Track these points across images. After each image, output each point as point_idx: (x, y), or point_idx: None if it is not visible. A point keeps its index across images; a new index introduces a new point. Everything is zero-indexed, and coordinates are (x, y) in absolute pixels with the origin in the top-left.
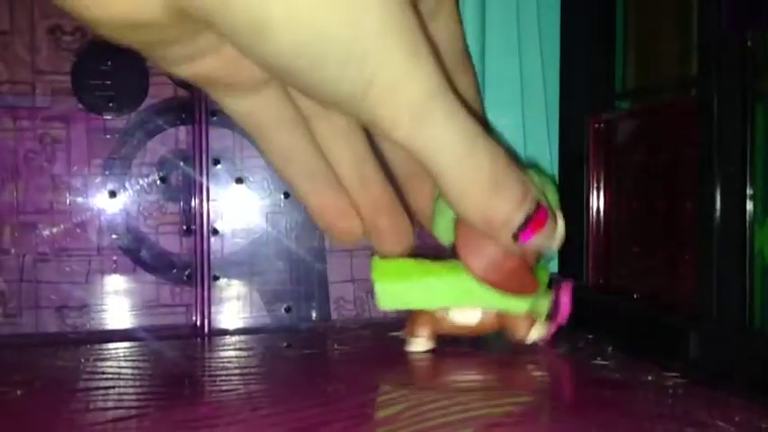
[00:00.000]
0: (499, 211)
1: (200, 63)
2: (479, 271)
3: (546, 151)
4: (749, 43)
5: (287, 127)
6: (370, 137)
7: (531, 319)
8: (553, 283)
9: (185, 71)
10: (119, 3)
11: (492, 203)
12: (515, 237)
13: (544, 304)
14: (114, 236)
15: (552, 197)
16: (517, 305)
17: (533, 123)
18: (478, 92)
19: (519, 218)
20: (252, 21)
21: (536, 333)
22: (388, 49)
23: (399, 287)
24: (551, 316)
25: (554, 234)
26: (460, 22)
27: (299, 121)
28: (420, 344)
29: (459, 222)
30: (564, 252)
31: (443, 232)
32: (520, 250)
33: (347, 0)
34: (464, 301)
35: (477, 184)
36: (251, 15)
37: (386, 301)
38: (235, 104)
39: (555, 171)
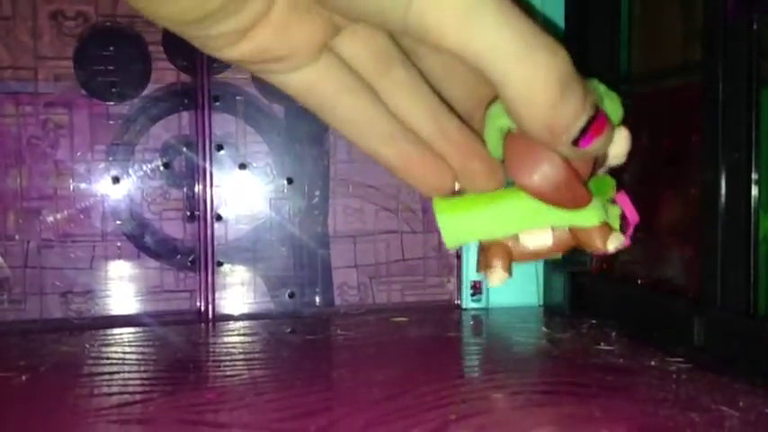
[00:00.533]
0: (564, 116)
1: (250, 38)
2: (529, 183)
3: None
4: (755, 27)
5: (351, 93)
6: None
7: (606, 229)
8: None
9: (238, 51)
10: None
11: (557, 109)
12: (575, 142)
13: (615, 213)
14: (118, 222)
15: (615, 106)
16: (589, 217)
17: None
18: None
19: (581, 123)
20: None
21: (614, 242)
22: None
23: (463, 218)
24: (623, 225)
25: (611, 137)
26: None
27: (361, 85)
28: (497, 274)
29: (508, 134)
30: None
31: (492, 144)
32: (578, 156)
33: None
34: (532, 223)
35: (543, 89)
36: None
37: (451, 236)
38: (294, 80)
39: None
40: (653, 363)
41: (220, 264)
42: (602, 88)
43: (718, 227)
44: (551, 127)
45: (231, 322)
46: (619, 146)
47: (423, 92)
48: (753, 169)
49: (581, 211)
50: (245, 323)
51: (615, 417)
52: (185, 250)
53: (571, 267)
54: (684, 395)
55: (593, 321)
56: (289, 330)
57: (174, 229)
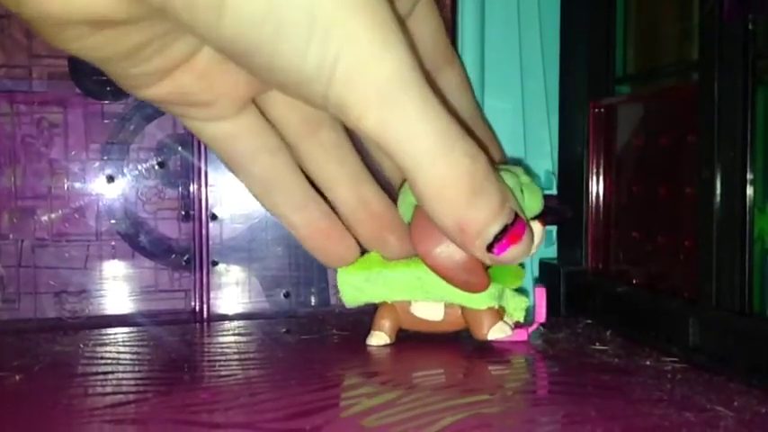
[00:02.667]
0: (475, 218)
1: (171, 80)
2: (428, 258)
3: (546, 137)
4: (750, 27)
5: (271, 154)
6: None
7: (495, 316)
8: (533, 286)
9: (157, 91)
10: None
11: (468, 210)
12: (489, 248)
13: (516, 303)
14: (113, 221)
15: (535, 200)
16: (477, 301)
17: (533, 108)
18: (468, 82)
19: (495, 228)
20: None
21: (497, 332)
22: (354, 23)
23: (360, 278)
24: (532, 318)
25: (530, 248)
26: (439, 16)
27: (281, 147)
28: (377, 337)
29: (418, 207)
30: (563, 236)
31: (405, 214)
32: (492, 261)
33: None
34: (423, 294)
35: (453, 187)
36: None
37: (348, 294)
38: (212, 130)
39: (555, 157)
40: (648, 362)
41: (215, 263)
42: (525, 179)
43: (714, 226)
44: (462, 229)
45: (226, 322)
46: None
47: (347, 156)
48: (748, 168)
49: (471, 294)
50: (241, 323)
51: (610, 416)
52: (180, 250)
53: (566, 267)
54: (679, 395)
55: (588, 321)
56: (284, 330)
57: (169, 228)
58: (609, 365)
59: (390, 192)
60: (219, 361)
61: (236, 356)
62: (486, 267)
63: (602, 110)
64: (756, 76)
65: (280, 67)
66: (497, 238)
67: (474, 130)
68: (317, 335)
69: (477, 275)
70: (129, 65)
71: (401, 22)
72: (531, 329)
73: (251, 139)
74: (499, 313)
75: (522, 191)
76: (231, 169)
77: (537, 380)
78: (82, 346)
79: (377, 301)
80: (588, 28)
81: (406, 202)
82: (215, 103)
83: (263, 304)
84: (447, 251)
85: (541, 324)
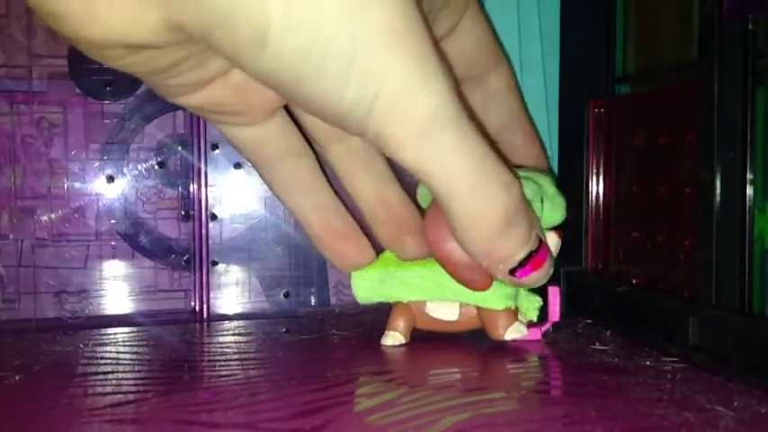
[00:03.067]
0: (505, 248)
1: (206, 91)
2: (439, 250)
3: (546, 136)
4: (750, 27)
5: (296, 158)
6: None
7: (511, 316)
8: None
9: (191, 100)
10: (110, 19)
11: (499, 240)
12: (512, 271)
13: (530, 303)
14: (113, 221)
15: (555, 213)
16: (493, 301)
17: (533, 108)
18: (515, 84)
19: (521, 256)
20: (252, 30)
21: (513, 332)
22: (394, 62)
23: (374, 277)
24: (545, 317)
25: (550, 272)
26: (486, 20)
27: (307, 152)
28: (392, 337)
29: (435, 200)
30: (563, 236)
31: (422, 201)
32: (512, 283)
33: (346, 3)
34: (438, 294)
35: (488, 219)
36: (251, 24)
37: (361, 293)
38: (242, 134)
39: (554, 156)
40: (648, 362)
41: (215, 263)
42: (549, 190)
43: (713, 226)
44: (490, 255)
45: (226, 322)
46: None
47: (374, 159)
48: (748, 168)
49: (487, 293)
50: (240, 323)
51: (610, 416)
52: (180, 250)
53: (566, 267)
54: (679, 395)
55: (588, 321)
56: (284, 330)
57: (169, 228)
58: (609, 365)
59: (412, 192)
60: (219, 361)
61: (236, 356)
62: None
63: (602, 109)
64: (756, 76)
65: (318, 99)
66: (521, 264)
67: (519, 132)
68: (316, 335)
69: (479, 275)
70: (166, 77)
71: (445, 38)
72: (544, 328)
73: (278, 144)
74: (515, 313)
75: (542, 201)
76: (257, 169)
77: (537, 380)
78: (82, 346)
79: (390, 300)
80: (588, 28)
81: (424, 191)
82: (247, 113)
83: (263, 304)
84: (458, 247)
85: (555, 323)
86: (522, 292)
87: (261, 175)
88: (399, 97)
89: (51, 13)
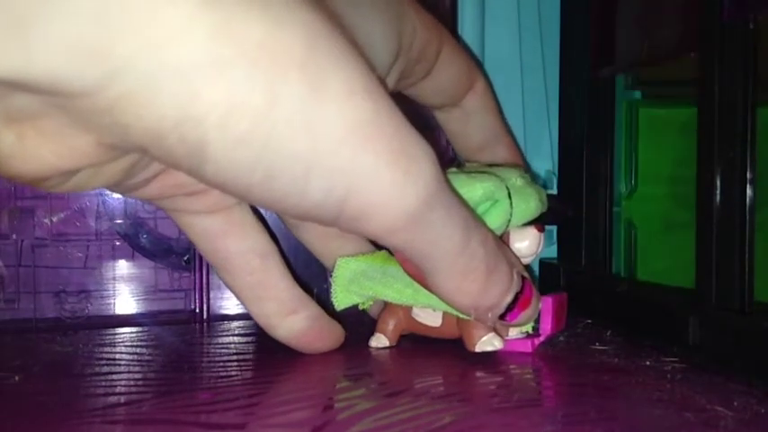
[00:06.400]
0: (490, 298)
1: (159, 181)
2: (419, 280)
3: (546, 136)
4: (750, 26)
5: (260, 258)
6: None
7: (486, 327)
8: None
9: (147, 193)
10: (39, 153)
11: (485, 290)
12: (503, 316)
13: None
14: (113, 221)
15: (526, 204)
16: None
17: (533, 108)
18: (491, 99)
19: (507, 300)
20: (188, 149)
21: (486, 344)
22: (362, 154)
23: (359, 267)
24: (536, 329)
25: (538, 307)
26: (460, 50)
27: (272, 250)
28: (378, 340)
29: None
30: (563, 236)
31: None
32: (503, 326)
33: (298, 104)
34: (414, 300)
35: (472, 277)
36: (185, 145)
37: (341, 282)
38: (202, 224)
39: (554, 153)
40: (648, 362)
41: None
42: (517, 183)
43: (714, 226)
44: (477, 308)
45: (226, 322)
46: (528, 246)
47: (348, 237)
48: (748, 168)
49: None
50: (240, 323)
51: (610, 416)
52: (180, 250)
53: (566, 266)
54: (679, 395)
55: (588, 321)
56: None
57: (169, 228)
58: (609, 365)
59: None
60: (219, 361)
61: (235, 356)
62: None
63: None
64: (757, 75)
65: (275, 204)
66: (509, 308)
67: (500, 146)
68: None
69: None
70: (115, 186)
71: (420, 81)
72: (537, 341)
73: (242, 239)
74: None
75: (509, 196)
76: (221, 275)
77: (537, 380)
78: (81, 346)
79: (369, 296)
80: (588, 23)
81: None
82: (209, 192)
83: None
84: None
85: (549, 336)
86: None
87: (225, 280)
88: (378, 200)
89: None
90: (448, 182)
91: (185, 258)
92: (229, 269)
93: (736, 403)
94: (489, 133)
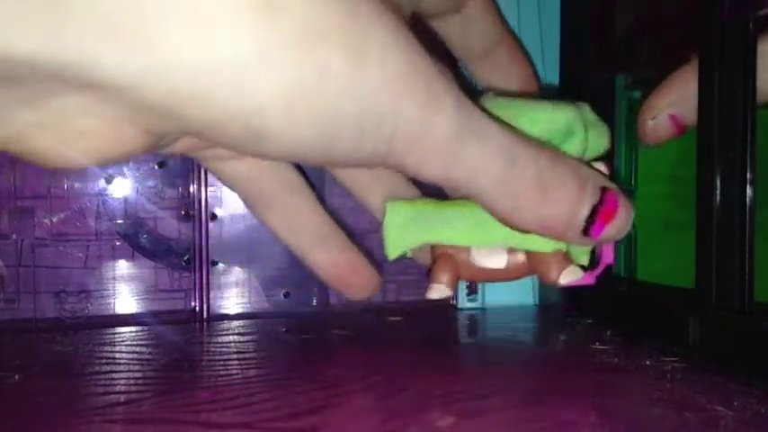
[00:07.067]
0: (556, 214)
1: (184, 141)
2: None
3: None
4: (750, 26)
5: (292, 194)
6: None
7: (563, 260)
8: None
9: (177, 148)
10: (85, 149)
11: (545, 210)
12: (586, 232)
13: (584, 247)
14: (113, 221)
15: (600, 139)
16: (541, 243)
17: None
18: (520, 51)
19: (583, 214)
20: (247, 133)
21: (567, 276)
22: (403, 99)
23: (409, 213)
24: (594, 261)
25: (630, 216)
26: (492, 9)
27: (301, 185)
28: (438, 290)
29: None
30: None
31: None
32: (593, 244)
33: (348, 76)
34: (481, 239)
35: (524, 197)
36: (246, 129)
37: (394, 231)
38: (230, 169)
39: None
40: (648, 362)
41: (215, 263)
42: (590, 117)
43: (714, 226)
44: (546, 226)
45: (226, 321)
46: None
47: (386, 173)
48: (748, 168)
49: (535, 235)
50: (241, 322)
51: (610, 416)
52: (180, 249)
53: None
54: (679, 394)
55: (589, 321)
56: (284, 330)
57: (169, 228)
58: (609, 365)
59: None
60: (219, 361)
61: (235, 356)
62: None
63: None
64: (756, 76)
65: (331, 161)
66: (590, 222)
67: (504, 49)
68: (317, 334)
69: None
70: (140, 152)
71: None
72: (597, 272)
73: (271, 177)
74: (567, 256)
75: (586, 129)
76: (252, 211)
77: (537, 380)
78: (81, 345)
79: (427, 242)
80: (588, 26)
81: None
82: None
83: (263, 304)
84: None
85: (608, 265)
86: None
87: (259, 217)
88: (415, 131)
89: (22, 154)
90: (482, 112)
91: (185, 258)
92: (261, 205)
93: (736, 403)
94: (491, 38)
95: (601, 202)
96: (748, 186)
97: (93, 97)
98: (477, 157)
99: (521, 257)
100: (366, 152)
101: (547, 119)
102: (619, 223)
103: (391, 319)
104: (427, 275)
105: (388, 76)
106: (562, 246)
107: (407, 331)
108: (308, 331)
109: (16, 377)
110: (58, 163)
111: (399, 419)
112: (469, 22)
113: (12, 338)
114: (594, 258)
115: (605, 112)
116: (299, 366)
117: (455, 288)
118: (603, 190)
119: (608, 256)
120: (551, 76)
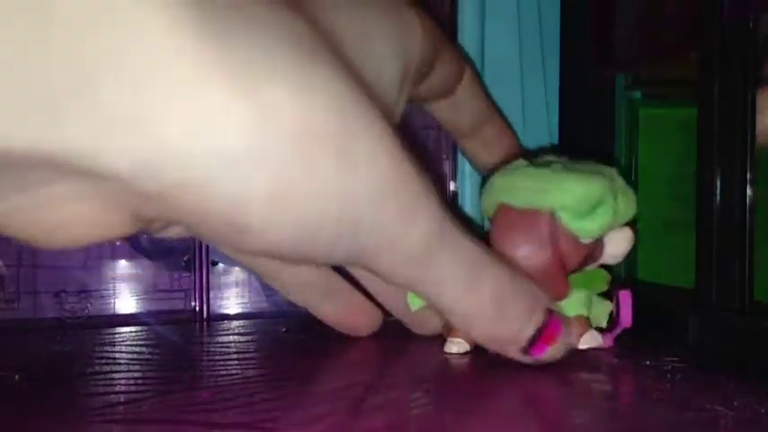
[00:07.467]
0: (505, 331)
1: (180, 227)
2: (511, 256)
3: (546, 136)
4: (751, 26)
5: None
6: None
7: (584, 324)
8: (612, 290)
9: (174, 232)
10: (75, 233)
11: (497, 326)
12: (525, 351)
13: (600, 309)
14: None
15: (629, 206)
16: (565, 308)
17: (534, 108)
18: (480, 85)
19: (527, 333)
20: (232, 226)
21: (587, 342)
22: (384, 211)
23: None
24: (612, 323)
25: (568, 345)
26: (455, 48)
27: None
28: (458, 345)
29: (501, 206)
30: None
31: (487, 211)
32: (533, 361)
33: (334, 178)
34: None
35: (481, 313)
36: (229, 222)
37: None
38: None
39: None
40: (648, 362)
41: (215, 263)
42: (620, 183)
43: (714, 226)
44: (496, 340)
45: (226, 322)
46: (617, 247)
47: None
48: (748, 168)
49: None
50: (240, 322)
51: (610, 416)
52: (180, 250)
53: None
54: (679, 394)
55: None
56: (284, 330)
57: None
58: (609, 365)
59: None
60: (219, 360)
61: (235, 356)
62: (568, 273)
63: None
64: (756, 75)
65: (305, 257)
66: (532, 342)
67: (491, 127)
68: (316, 335)
69: (557, 282)
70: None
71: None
72: (614, 334)
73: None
74: (587, 321)
75: (615, 197)
76: (264, 278)
77: (536, 380)
78: (82, 345)
79: None
80: (588, 26)
81: (490, 200)
82: None
83: (263, 304)
84: (531, 253)
85: (625, 328)
86: (594, 298)
87: (266, 280)
88: (388, 241)
89: (9, 235)
90: (457, 230)
91: (185, 258)
92: (272, 271)
93: (736, 403)
94: (479, 116)
95: (545, 324)
96: (748, 186)
97: (86, 184)
98: (447, 267)
99: None
100: (339, 255)
101: (581, 191)
102: (558, 347)
103: (391, 319)
104: (444, 330)
105: (374, 183)
106: (584, 310)
107: (407, 331)
108: (307, 331)
109: (16, 377)
110: (46, 246)
111: (400, 419)
112: (459, 105)
113: (12, 339)
114: (612, 320)
115: (605, 112)
116: (299, 366)
117: (473, 343)
118: (549, 312)
119: (626, 321)
120: (552, 76)
